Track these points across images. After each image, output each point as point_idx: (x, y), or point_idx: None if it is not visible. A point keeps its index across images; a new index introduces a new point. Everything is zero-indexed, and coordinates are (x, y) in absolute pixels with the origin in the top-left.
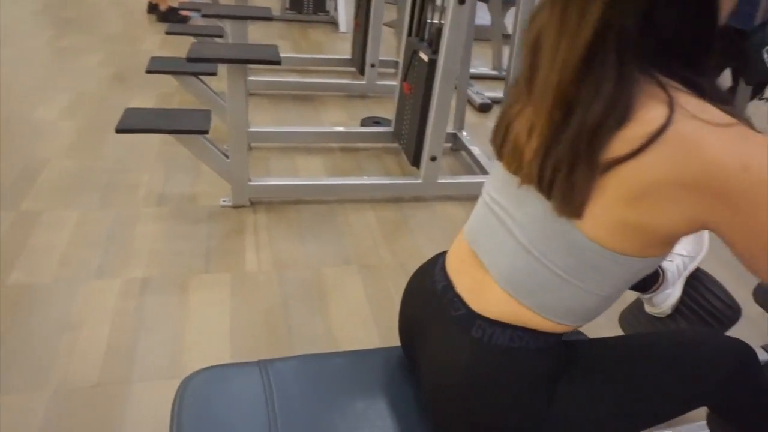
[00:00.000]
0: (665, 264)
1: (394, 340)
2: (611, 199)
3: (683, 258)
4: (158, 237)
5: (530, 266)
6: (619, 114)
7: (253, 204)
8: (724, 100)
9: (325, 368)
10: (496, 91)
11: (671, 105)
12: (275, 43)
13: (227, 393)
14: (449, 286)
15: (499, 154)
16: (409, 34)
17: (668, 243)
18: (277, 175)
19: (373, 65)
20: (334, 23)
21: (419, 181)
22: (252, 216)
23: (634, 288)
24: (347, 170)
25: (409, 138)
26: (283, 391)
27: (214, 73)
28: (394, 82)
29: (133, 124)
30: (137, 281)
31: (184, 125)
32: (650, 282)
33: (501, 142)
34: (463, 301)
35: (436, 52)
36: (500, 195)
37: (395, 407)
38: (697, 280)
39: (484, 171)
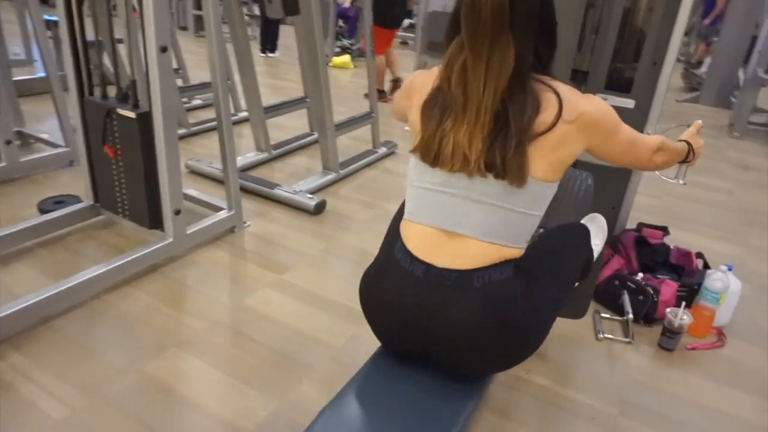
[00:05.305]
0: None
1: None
2: (544, 152)
3: (599, 246)
4: None
5: (502, 216)
6: (536, 109)
7: None
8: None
9: (352, 407)
10: None
11: (557, 93)
12: None
13: None
14: (429, 266)
15: (435, 161)
16: (82, 94)
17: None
18: None
19: (9, 141)
20: None
21: (170, 239)
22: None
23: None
24: (70, 264)
25: (134, 203)
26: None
27: None
28: (43, 154)
29: None
30: None
31: None
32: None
33: (437, 152)
34: (452, 269)
35: (137, 105)
36: (449, 184)
37: (421, 383)
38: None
39: (217, 209)
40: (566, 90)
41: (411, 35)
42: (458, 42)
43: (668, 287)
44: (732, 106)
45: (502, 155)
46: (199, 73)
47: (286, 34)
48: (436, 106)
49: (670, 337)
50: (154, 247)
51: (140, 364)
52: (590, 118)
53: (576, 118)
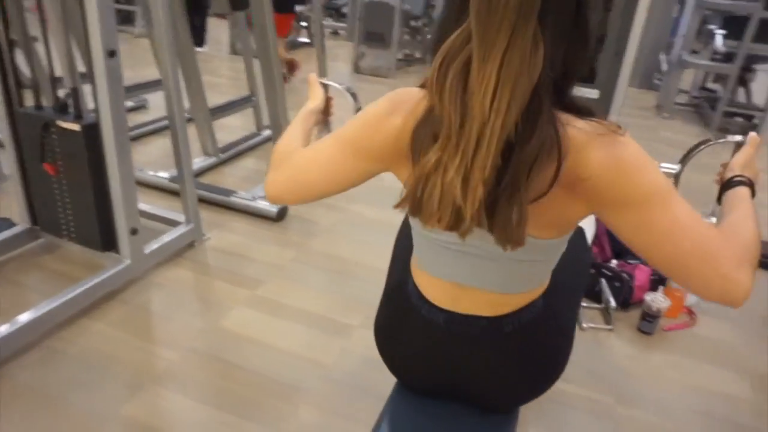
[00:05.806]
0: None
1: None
2: (540, 219)
3: (589, 239)
4: None
5: (523, 268)
6: (549, 148)
7: None
8: (591, 113)
9: None
10: None
11: (558, 143)
12: None
13: None
14: (452, 314)
15: (417, 213)
16: (10, 104)
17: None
18: None
19: None
20: None
21: (128, 262)
22: None
23: None
24: (14, 299)
25: (83, 224)
26: None
27: None
28: None
29: None
30: None
31: None
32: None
33: (418, 201)
34: (478, 316)
35: (80, 116)
36: (454, 240)
37: (453, 416)
38: None
39: (173, 223)
40: (582, 136)
41: (342, 25)
42: (461, 34)
43: (642, 272)
44: (656, 87)
45: (503, 205)
46: (127, 73)
47: (214, 27)
48: (428, 130)
49: (649, 321)
50: (111, 272)
51: (115, 408)
52: (598, 184)
53: (580, 181)
